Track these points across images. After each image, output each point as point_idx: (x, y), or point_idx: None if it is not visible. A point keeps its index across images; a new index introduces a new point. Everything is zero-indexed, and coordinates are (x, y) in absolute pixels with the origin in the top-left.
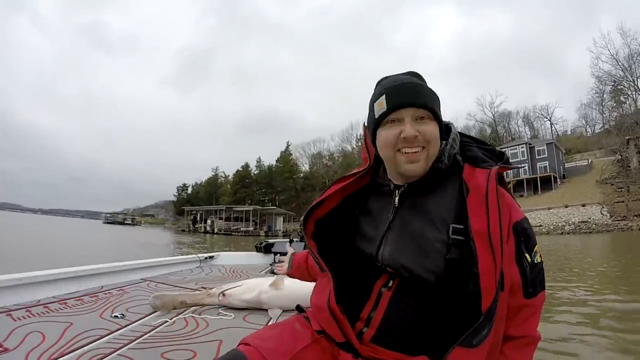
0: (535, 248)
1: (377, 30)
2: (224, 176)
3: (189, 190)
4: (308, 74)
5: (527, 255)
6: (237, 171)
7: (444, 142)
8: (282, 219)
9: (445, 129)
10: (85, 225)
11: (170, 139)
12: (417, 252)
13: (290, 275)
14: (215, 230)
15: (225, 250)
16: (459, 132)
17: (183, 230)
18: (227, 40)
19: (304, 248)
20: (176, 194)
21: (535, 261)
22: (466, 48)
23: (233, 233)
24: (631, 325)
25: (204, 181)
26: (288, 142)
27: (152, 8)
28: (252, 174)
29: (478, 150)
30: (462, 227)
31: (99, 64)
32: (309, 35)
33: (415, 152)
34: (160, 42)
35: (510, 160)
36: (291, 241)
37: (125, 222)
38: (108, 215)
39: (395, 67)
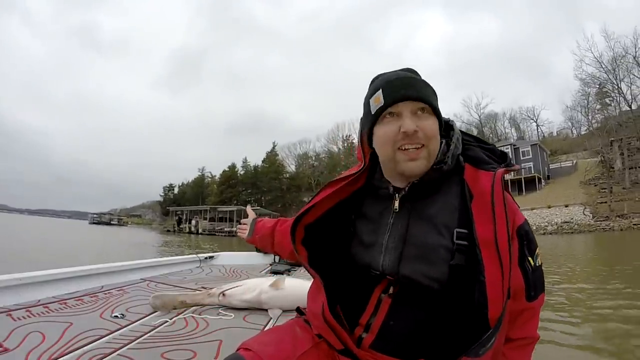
0: (537, 251)
1: (366, 33)
2: (210, 176)
3: (175, 190)
4: (298, 76)
5: (529, 258)
6: (224, 171)
7: (444, 140)
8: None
9: (446, 126)
10: (72, 226)
11: (160, 139)
12: (419, 260)
13: (250, 242)
14: (200, 230)
15: (216, 251)
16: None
17: (168, 231)
18: (220, 42)
19: None
20: (162, 194)
21: (537, 264)
22: (455, 52)
23: (217, 233)
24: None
25: (190, 181)
26: (274, 143)
27: (144, 9)
28: (238, 175)
29: (480, 151)
30: (466, 231)
31: (91, 64)
32: (299, 38)
33: (417, 148)
34: (153, 43)
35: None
36: None
37: (112, 222)
38: (94, 215)
39: (385, 69)
